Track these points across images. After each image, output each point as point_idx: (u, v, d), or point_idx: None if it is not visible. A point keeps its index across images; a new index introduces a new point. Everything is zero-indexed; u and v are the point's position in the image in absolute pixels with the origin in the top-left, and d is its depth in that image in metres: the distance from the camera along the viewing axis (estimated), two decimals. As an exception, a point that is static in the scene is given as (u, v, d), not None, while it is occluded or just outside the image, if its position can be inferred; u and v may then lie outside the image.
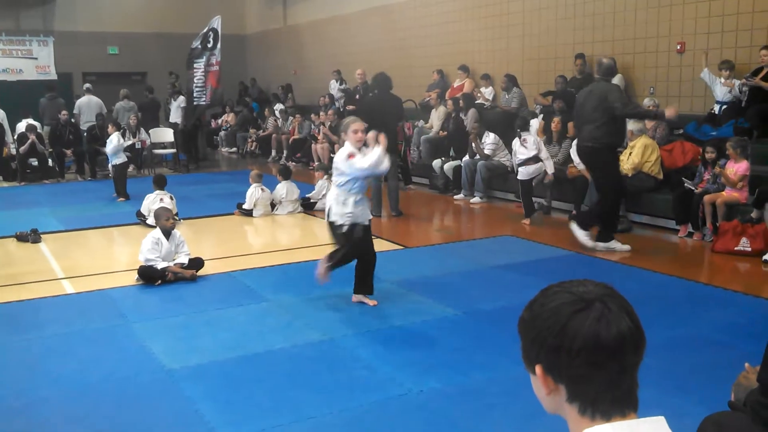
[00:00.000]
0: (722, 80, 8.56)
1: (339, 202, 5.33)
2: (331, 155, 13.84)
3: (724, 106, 8.61)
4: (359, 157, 5.27)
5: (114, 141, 10.98)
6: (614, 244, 7.10)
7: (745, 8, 8.63)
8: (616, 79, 9.99)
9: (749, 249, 6.78)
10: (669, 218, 8.01)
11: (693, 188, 7.58)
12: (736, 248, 6.86)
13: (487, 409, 3.81)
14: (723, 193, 7.29)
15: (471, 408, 3.84)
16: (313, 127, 15.05)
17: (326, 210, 5.49)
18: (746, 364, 2.60)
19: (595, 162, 7.17)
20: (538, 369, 1.22)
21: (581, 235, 7.13)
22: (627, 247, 7.10)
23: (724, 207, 7.18)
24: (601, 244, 7.11)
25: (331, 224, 5.43)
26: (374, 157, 5.25)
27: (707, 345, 4.65)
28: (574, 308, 1.18)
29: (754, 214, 6.92)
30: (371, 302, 5.53)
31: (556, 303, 1.21)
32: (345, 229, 5.34)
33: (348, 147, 5.33)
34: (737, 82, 8.49)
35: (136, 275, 6.38)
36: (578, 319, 1.17)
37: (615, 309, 1.18)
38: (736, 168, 7.22)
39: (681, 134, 8.88)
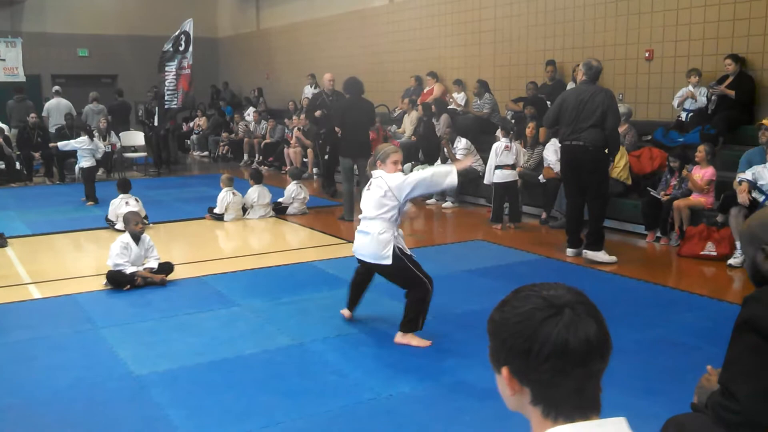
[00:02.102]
0: (691, 87, 8.71)
1: (385, 237, 4.74)
2: (304, 159, 13.88)
3: (691, 114, 8.76)
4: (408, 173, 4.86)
5: (85, 141, 10.93)
6: (604, 255, 6.90)
7: (711, 17, 8.79)
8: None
9: (715, 253, 6.90)
10: (637, 223, 8.12)
11: (658, 197, 7.68)
12: (701, 252, 6.97)
13: (456, 413, 3.83)
14: (690, 198, 7.41)
15: (441, 412, 3.86)
16: (286, 131, 15.02)
17: (377, 254, 4.76)
18: (708, 367, 2.65)
19: (592, 164, 6.83)
20: (504, 371, 1.23)
21: (602, 257, 6.88)
22: (614, 258, 6.90)
23: (688, 211, 7.29)
24: (590, 253, 6.93)
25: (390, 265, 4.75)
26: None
27: (673, 348, 4.72)
28: (544, 314, 1.19)
29: (719, 219, 7.04)
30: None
31: (528, 307, 1.21)
32: (394, 258, 4.73)
33: (393, 174, 4.81)
34: (703, 90, 8.65)
35: (104, 280, 6.31)
36: (548, 326, 1.18)
37: (584, 316, 1.20)
38: (703, 173, 7.35)
39: (649, 140, 9.02)
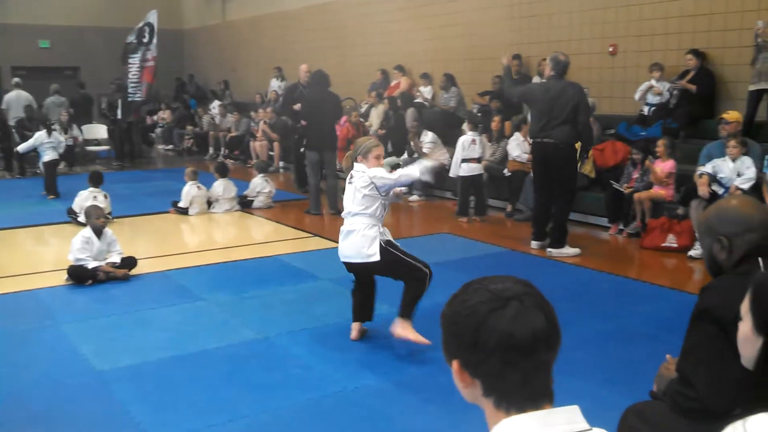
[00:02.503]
0: (653, 82, 8.83)
1: (370, 233, 4.52)
2: (270, 153, 13.78)
3: (653, 108, 8.88)
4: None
5: (42, 136, 10.74)
6: (567, 250, 6.96)
7: (674, 13, 8.91)
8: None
9: (676, 245, 7.01)
10: (600, 215, 8.23)
11: (621, 189, 7.79)
12: (663, 244, 7.08)
13: (422, 404, 3.85)
14: (651, 190, 7.52)
15: (407, 403, 3.87)
16: (252, 124, 14.91)
17: (361, 252, 4.52)
18: (667, 356, 2.70)
19: (563, 161, 6.85)
20: (455, 364, 1.25)
21: (566, 251, 6.94)
22: (577, 250, 6.98)
23: (650, 203, 7.41)
24: (555, 251, 6.97)
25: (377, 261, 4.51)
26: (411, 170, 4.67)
27: (635, 338, 4.78)
28: (490, 307, 1.20)
29: (680, 211, 7.16)
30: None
31: (474, 301, 1.23)
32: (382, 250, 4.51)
33: (370, 170, 4.57)
34: (666, 85, 8.78)
35: (65, 275, 6.20)
36: (494, 318, 1.19)
37: (531, 308, 1.21)
38: (663, 165, 7.47)
39: (612, 134, 9.12)
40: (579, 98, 6.77)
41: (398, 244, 4.64)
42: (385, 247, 4.50)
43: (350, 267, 4.66)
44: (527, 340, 1.18)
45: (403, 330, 4.51)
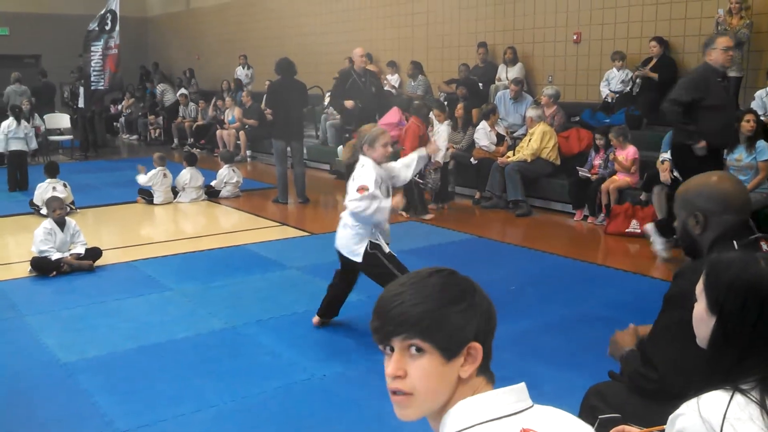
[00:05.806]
0: (616, 70, 8.95)
1: (357, 231, 4.42)
2: (237, 142, 13.67)
3: (617, 95, 9.00)
4: (370, 191, 4.30)
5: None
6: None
7: (636, 1, 9.03)
8: (517, 68, 10.29)
9: (639, 230, 7.13)
10: (565, 202, 8.33)
11: (588, 176, 7.89)
12: (627, 230, 7.20)
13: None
14: (615, 177, 7.63)
15: (374, 390, 3.89)
16: (219, 112, 14.76)
17: (349, 248, 4.45)
18: (630, 325, 2.68)
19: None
20: (475, 345, 1.27)
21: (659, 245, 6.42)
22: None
23: (616, 192, 7.51)
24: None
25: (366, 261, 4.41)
26: (380, 206, 4.33)
27: (598, 322, 4.86)
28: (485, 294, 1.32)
29: (643, 197, 7.28)
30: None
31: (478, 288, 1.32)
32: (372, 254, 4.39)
33: (364, 175, 4.36)
34: (628, 73, 8.90)
35: (29, 267, 6.12)
36: (489, 303, 1.31)
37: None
38: (625, 153, 7.58)
39: (577, 121, 9.23)
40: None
41: (389, 251, 4.47)
42: (372, 252, 4.37)
43: (340, 257, 4.62)
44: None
45: None
